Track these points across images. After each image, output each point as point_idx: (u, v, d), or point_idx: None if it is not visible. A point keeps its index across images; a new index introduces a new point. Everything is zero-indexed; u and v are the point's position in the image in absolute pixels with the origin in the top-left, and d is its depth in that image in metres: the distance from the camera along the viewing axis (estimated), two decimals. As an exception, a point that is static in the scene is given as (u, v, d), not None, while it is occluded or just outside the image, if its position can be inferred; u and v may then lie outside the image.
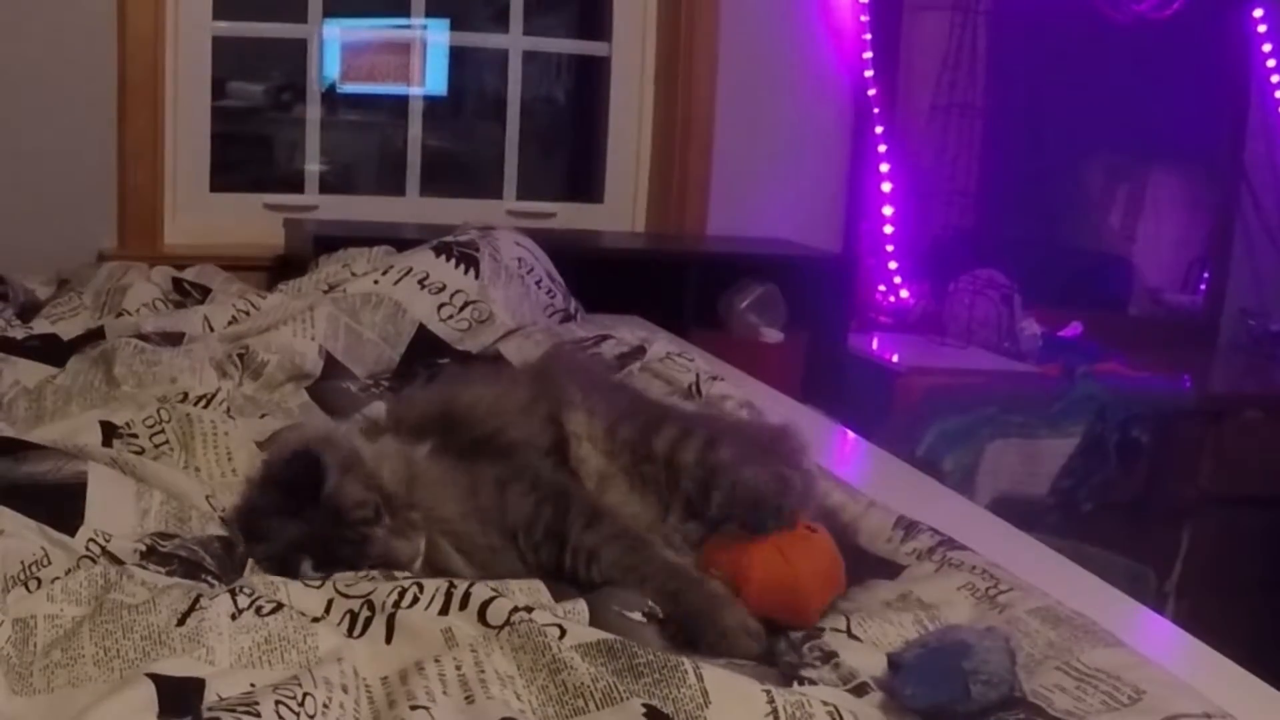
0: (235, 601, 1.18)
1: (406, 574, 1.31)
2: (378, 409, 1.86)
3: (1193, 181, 4.60)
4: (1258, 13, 4.37)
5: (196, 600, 1.17)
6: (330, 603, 1.25)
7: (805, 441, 1.64)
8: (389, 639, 1.19)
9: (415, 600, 1.22)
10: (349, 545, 1.35)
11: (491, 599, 1.20)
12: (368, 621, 1.21)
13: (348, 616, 1.22)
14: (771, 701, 1.10)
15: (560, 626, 1.17)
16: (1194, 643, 1.48)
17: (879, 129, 3.96)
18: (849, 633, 1.33)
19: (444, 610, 1.20)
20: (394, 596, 1.23)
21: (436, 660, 1.13)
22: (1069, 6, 4.13)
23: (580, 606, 1.27)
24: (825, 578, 1.40)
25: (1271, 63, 4.42)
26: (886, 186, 3.97)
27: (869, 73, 3.94)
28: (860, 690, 1.23)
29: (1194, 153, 4.49)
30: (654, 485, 1.51)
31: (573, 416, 1.55)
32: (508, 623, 1.17)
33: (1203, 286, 4.56)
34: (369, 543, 1.36)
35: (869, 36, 3.93)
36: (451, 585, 1.23)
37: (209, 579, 1.33)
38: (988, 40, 4.08)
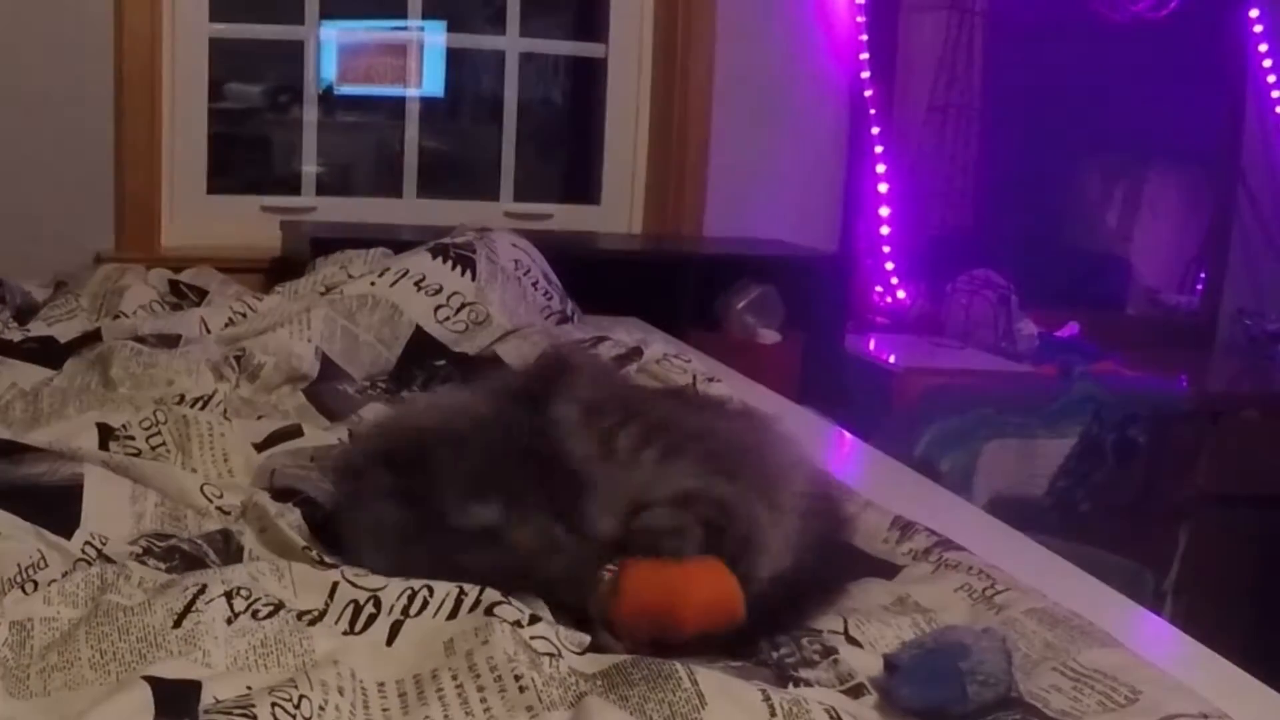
0: (231, 605, 1.17)
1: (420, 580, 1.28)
2: (376, 410, 1.86)
3: (1190, 182, 4.62)
4: (1254, 13, 4.38)
5: (193, 601, 1.17)
6: (335, 587, 1.24)
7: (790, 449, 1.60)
8: (390, 641, 1.19)
9: (425, 605, 1.22)
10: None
11: (498, 603, 1.20)
12: (371, 618, 1.20)
13: (351, 607, 1.22)
14: (768, 700, 1.10)
15: (556, 645, 1.17)
16: (1191, 643, 1.47)
17: (876, 130, 3.97)
18: (846, 634, 1.32)
19: (453, 614, 1.20)
20: (403, 601, 1.22)
21: (434, 675, 1.13)
22: (1066, 7, 4.15)
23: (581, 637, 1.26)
24: (724, 593, 1.29)
25: (1268, 63, 4.43)
26: (883, 187, 3.98)
27: (866, 73, 3.95)
28: (856, 692, 1.23)
29: (1191, 153, 4.50)
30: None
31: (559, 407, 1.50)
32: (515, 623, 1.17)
33: (1199, 287, 4.57)
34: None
35: (866, 37, 3.94)
36: (462, 591, 1.23)
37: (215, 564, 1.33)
38: (984, 41, 4.10)
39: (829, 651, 1.27)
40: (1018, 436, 3.35)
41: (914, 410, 3.33)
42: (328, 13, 3.76)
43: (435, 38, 3.95)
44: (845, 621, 1.34)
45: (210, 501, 1.53)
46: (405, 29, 3.89)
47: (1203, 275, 4.57)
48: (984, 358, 3.79)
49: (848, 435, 2.38)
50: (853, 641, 1.32)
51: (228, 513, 1.49)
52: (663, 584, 1.25)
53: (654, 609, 1.23)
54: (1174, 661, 1.33)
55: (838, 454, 2.28)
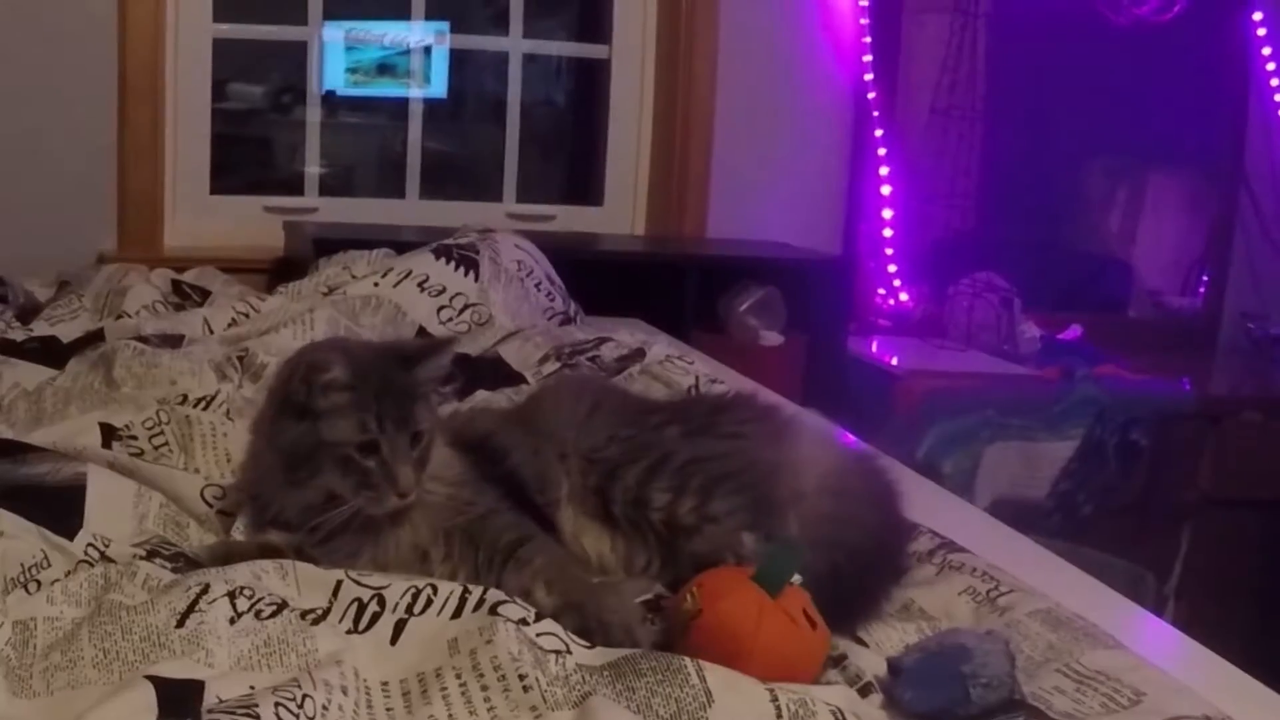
0: (234, 605, 1.17)
1: (423, 579, 1.29)
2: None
3: (1192, 185, 4.61)
4: (1257, 15, 4.38)
5: (196, 601, 1.17)
6: (339, 585, 1.24)
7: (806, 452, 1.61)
8: (394, 640, 1.19)
9: (429, 603, 1.22)
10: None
11: (502, 602, 1.21)
12: (375, 617, 1.21)
13: (355, 605, 1.22)
14: (775, 700, 1.10)
15: (564, 640, 1.18)
16: (1193, 645, 1.48)
17: (879, 132, 3.97)
18: (855, 637, 1.34)
19: (457, 613, 1.20)
20: (407, 599, 1.22)
21: (438, 674, 1.13)
22: (1069, 9, 4.15)
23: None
24: (780, 662, 1.25)
25: (1271, 66, 4.43)
26: (886, 189, 3.97)
27: (869, 75, 3.95)
28: (865, 690, 1.23)
29: (1194, 156, 4.50)
30: (639, 536, 1.49)
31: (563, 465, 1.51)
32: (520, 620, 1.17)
33: (1202, 290, 4.57)
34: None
35: (869, 39, 3.94)
36: (466, 590, 1.23)
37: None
38: (987, 43, 4.10)
39: (839, 660, 1.28)
40: (1020, 439, 3.35)
41: (916, 412, 3.33)
42: (331, 13, 3.76)
43: (439, 38, 3.95)
44: (853, 622, 1.35)
45: (211, 506, 1.53)
46: (409, 30, 3.88)
47: (1205, 278, 4.57)
48: (986, 360, 3.79)
49: (851, 437, 2.38)
50: (860, 643, 1.33)
51: (229, 515, 1.49)
52: (731, 637, 1.23)
53: (719, 659, 1.19)
54: (1176, 663, 1.33)
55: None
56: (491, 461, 1.48)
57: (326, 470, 1.34)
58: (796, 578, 1.28)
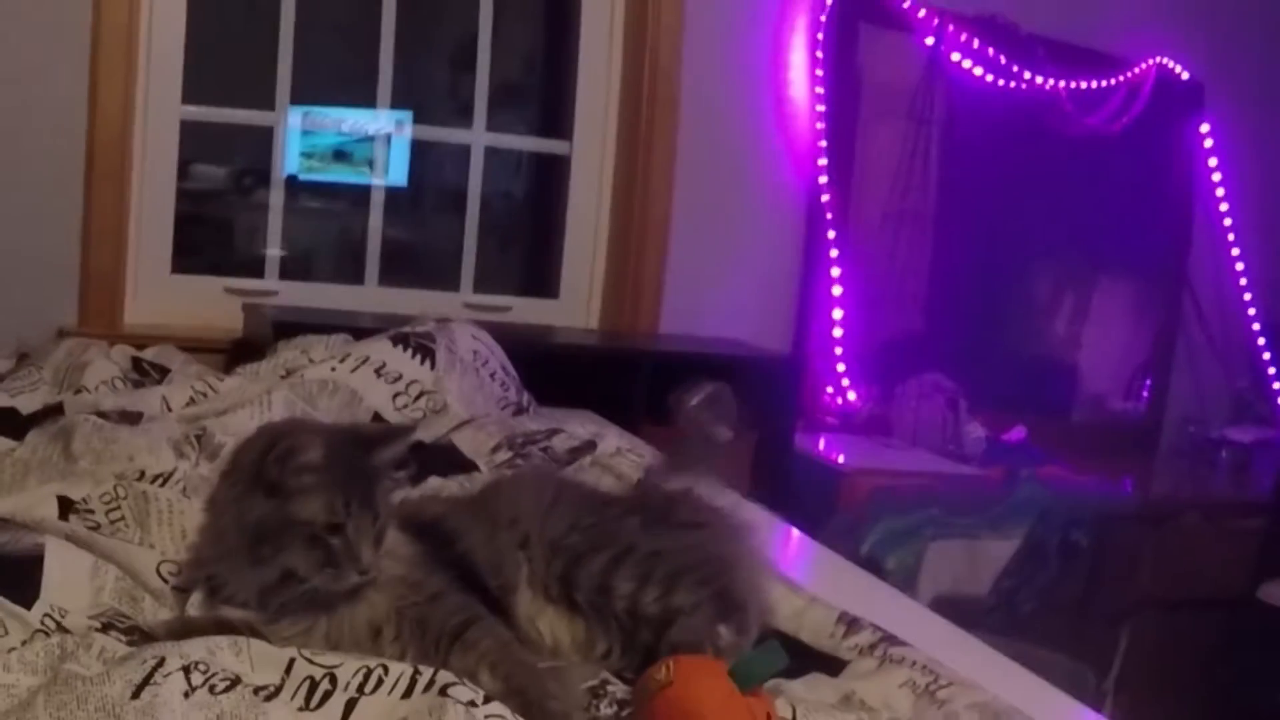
0: (189, 679, 1.19)
1: (375, 659, 1.31)
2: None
3: (1138, 291, 4.69)
4: (1204, 127, 4.50)
5: (151, 673, 1.18)
6: (292, 663, 1.26)
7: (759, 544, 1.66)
8: (345, 718, 1.20)
9: (380, 683, 1.24)
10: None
11: (452, 684, 1.23)
12: (327, 695, 1.22)
13: (307, 683, 1.23)
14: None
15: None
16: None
17: (831, 234, 4.03)
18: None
19: (407, 693, 1.22)
20: (359, 679, 1.24)
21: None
22: (1021, 119, 4.24)
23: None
24: None
25: (1217, 176, 4.55)
26: (837, 290, 4.03)
27: (823, 179, 4.02)
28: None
29: (1140, 263, 4.58)
30: (602, 622, 1.52)
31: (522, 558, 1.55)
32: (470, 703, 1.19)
33: (1145, 394, 4.64)
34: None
35: (824, 144, 4.02)
36: (417, 671, 1.25)
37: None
38: (940, 150, 4.18)
39: None
40: (963, 537, 3.38)
41: (862, 509, 3.36)
42: (298, 98, 3.81)
43: (401, 128, 4.00)
44: (794, 710, 1.37)
45: (166, 582, 1.54)
46: (374, 118, 3.92)
47: (1148, 382, 4.64)
48: (931, 459, 3.83)
49: (796, 532, 2.41)
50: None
51: (185, 590, 1.51)
52: (693, 714, 1.26)
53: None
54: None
55: (786, 551, 2.31)
56: (442, 545, 1.52)
57: (291, 548, 1.38)
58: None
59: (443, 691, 1.20)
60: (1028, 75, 4.21)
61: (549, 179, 4.09)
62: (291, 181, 3.92)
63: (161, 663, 1.20)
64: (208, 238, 4.02)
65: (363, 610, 1.40)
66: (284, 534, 1.38)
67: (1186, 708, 3.78)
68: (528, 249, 4.29)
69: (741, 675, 1.29)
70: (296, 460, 1.39)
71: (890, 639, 1.62)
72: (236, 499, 1.43)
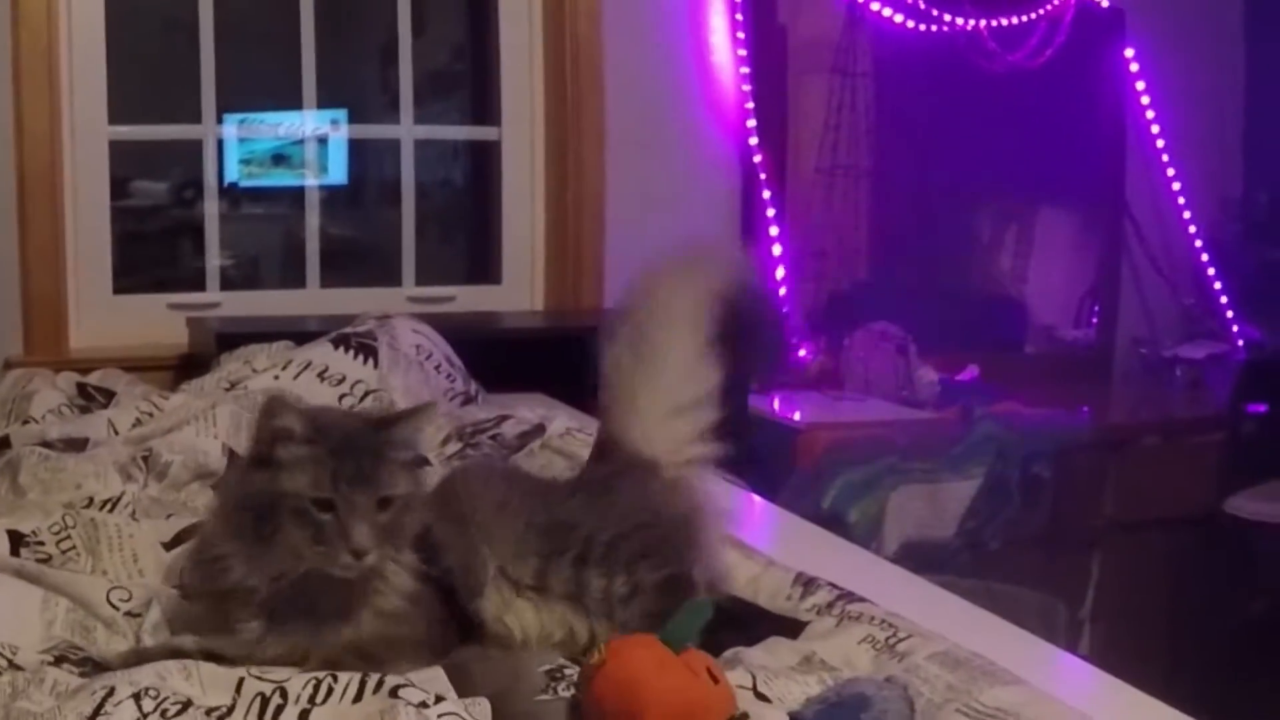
0: (140, 706, 1.19)
1: (323, 670, 1.30)
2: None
3: (1078, 220, 4.72)
4: (1129, 51, 4.52)
5: (102, 704, 1.19)
6: (241, 682, 1.26)
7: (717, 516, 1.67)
8: (297, 733, 1.21)
9: (330, 692, 1.24)
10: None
11: (402, 685, 1.23)
12: (279, 710, 1.22)
13: (259, 700, 1.24)
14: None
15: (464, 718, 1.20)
16: (1101, 675, 1.52)
17: (766, 194, 4.04)
18: (755, 690, 1.36)
19: (358, 698, 1.22)
20: (309, 690, 1.24)
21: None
22: (946, 61, 4.25)
23: (483, 707, 1.28)
24: (677, 713, 1.27)
25: (1146, 99, 4.57)
26: (777, 249, 4.04)
27: (754, 140, 4.03)
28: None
29: (1078, 192, 4.60)
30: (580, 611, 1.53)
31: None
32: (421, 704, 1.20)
33: (1094, 320, 4.67)
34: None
35: (752, 105, 4.02)
36: (366, 675, 1.26)
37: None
38: (869, 101, 4.19)
39: (742, 718, 1.30)
40: (923, 482, 3.39)
41: (820, 465, 3.37)
42: (226, 107, 3.79)
43: (334, 127, 3.98)
44: (754, 678, 1.37)
45: (117, 610, 1.54)
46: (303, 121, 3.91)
47: (1096, 309, 4.67)
48: (886, 408, 3.84)
49: (753, 496, 2.42)
50: (761, 698, 1.35)
51: (137, 615, 1.51)
52: (629, 685, 1.26)
53: (619, 708, 1.25)
54: (1083, 695, 1.37)
55: (742, 515, 2.31)
56: (429, 559, 1.48)
57: (285, 523, 1.34)
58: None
59: (393, 693, 1.21)
60: (948, 17, 4.22)
61: (484, 165, 4.09)
62: (232, 189, 3.90)
63: (111, 692, 1.20)
64: (153, 254, 4.00)
65: (348, 632, 1.38)
66: (278, 507, 1.34)
67: (1162, 629, 3.82)
68: (469, 237, 4.29)
69: (672, 637, 1.30)
70: (273, 424, 1.35)
71: (847, 596, 1.62)
72: (239, 476, 1.41)
